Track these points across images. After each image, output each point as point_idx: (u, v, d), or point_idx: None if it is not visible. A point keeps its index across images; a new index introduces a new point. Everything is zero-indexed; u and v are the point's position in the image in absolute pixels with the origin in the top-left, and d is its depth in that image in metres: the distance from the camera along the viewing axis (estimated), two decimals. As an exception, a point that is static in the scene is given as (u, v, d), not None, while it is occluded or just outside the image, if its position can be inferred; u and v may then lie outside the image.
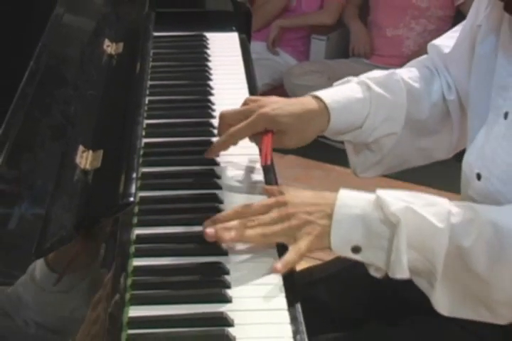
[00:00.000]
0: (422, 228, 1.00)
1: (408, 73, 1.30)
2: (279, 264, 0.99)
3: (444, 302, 1.02)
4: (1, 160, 0.88)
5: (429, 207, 1.01)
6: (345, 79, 1.28)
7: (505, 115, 1.08)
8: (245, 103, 1.23)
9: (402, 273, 1.00)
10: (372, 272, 1.03)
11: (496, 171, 1.08)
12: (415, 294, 1.04)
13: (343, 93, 1.23)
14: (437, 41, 1.33)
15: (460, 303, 1.02)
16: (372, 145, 1.27)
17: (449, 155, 1.37)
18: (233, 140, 1.19)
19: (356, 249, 1.02)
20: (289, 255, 1.01)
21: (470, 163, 1.13)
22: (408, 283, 1.03)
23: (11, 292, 0.80)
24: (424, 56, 1.35)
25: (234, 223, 1.03)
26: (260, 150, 1.20)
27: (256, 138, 1.20)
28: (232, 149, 1.21)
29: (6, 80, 1.06)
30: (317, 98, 1.21)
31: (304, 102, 1.21)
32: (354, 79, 1.27)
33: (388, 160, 1.29)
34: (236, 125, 1.18)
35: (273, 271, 0.99)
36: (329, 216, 1.02)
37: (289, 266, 1.00)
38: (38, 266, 0.85)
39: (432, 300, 1.02)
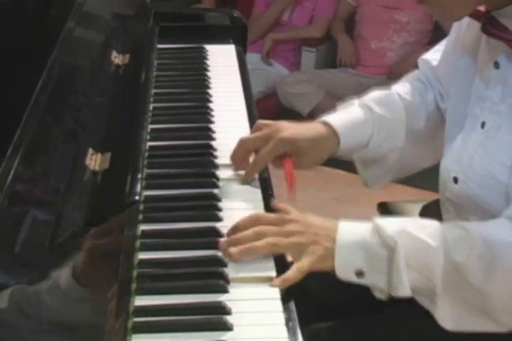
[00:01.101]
0: (418, 248, 0.99)
1: (403, 88, 1.30)
2: (279, 280, 0.97)
3: (447, 318, 1.00)
4: (17, 162, 0.88)
5: (422, 229, 1.01)
6: (349, 101, 1.28)
7: (482, 124, 1.08)
8: (258, 127, 1.21)
9: (404, 292, 0.99)
10: (378, 294, 1.02)
11: (473, 175, 1.08)
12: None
13: (348, 116, 1.23)
14: (427, 56, 1.32)
15: (463, 317, 1.00)
16: (379, 160, 1.27)
17: None
18: (259, 166, 1.18)
19: (360, 273, 1.00)
20: (291, 273, 0.98)
21: (447, 168, 1.13)
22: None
23: (30, 292, 0.78)
24: (416, 71, 1.34)
25: (248, 232, 1.01)
26: (285, 174, 1.18)
27: (275, 162, 1.19)
28: (230, 152, 1.21)
29: (22, 89, 1.05)
30: (325, 123, 1.21)
31: (315, 127, 1.21)
32: (356, 102, 1.26)
33: (396, 170, 1.29)
34: (253, 149, 1.18)
35: (272, 285, 0.97)
36: (333, 240, 1.01)
37: (288, 284, 0.97)
38: (64, 276, 0.84)
39: (435, 316, 1.00)
